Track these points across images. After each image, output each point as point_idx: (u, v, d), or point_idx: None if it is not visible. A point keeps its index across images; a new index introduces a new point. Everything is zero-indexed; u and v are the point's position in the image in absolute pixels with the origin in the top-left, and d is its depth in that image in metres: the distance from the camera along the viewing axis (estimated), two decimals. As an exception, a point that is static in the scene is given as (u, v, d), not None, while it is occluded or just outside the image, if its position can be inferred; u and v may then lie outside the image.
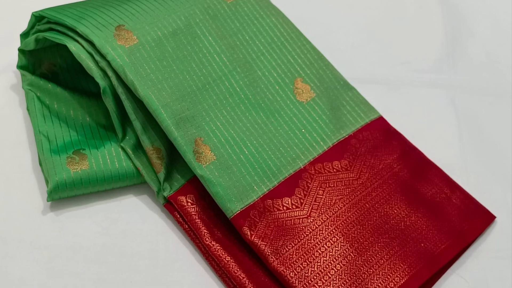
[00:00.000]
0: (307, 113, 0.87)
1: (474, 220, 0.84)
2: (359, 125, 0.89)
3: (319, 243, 0.78)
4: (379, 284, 0.77)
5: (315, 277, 0.76)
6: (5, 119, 0.92)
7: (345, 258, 0.78)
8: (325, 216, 0.80)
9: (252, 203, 0.79)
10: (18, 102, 0.93)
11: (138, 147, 0.84)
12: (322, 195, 0.82)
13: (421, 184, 0.86)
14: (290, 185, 0.81)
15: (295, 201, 0.80)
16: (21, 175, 0.86)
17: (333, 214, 0.81)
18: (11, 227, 0.82)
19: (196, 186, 0.82)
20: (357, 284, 0.76)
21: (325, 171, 0.84)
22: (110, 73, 0.81)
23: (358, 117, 0.90)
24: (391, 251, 0.79)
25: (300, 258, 0.77)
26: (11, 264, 0.79)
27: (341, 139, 0.87)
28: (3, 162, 0.87)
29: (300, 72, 0.91)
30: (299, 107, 0.87)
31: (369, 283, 0.77)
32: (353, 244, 0.79)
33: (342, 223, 0.80)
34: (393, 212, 0.82)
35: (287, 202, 0.80)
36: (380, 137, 0.89)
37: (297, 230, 0.79)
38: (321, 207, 0.81)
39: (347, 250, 0.78)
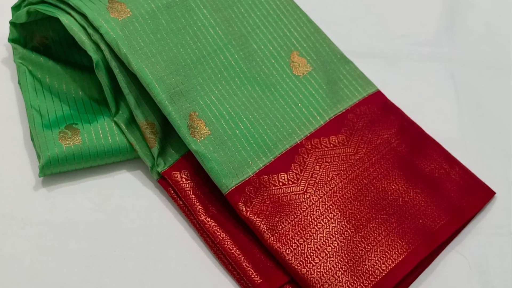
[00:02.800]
0: (303, 87, 0.85)
1: (473, 196, 0.82)
2: (356, 100, 0.87)
3: (315, 219, 0.76)
4: (377, 261, 0.75)
5: (311, 254, 0.74)
6: (-4, 93, 0.90)
7: (342, 235, 0.76)
8: (321, 192, 0.78)
9: (247, 179, 0.77)
10: (10, 76, 0.90)
11: (131, 121, 0.82)
12: (319, 170, 0.79)
13: (419, 160, 0.84)
14: (286, 161, 0.79)
15: (292, 176, 0.78)
16: (13, 150, 0.84)
17: (330, 190, 0.78)
18: (2, 203, 0.80)
19: (190, 162, 0.80)
20: (354, 261, 0.74)
21: (322, 146, 0.81)
22: (103, 47, 0.78)
23: (355, 91, 0.88)
24: (389, 228, 0.77)
25: (296, 235, 0.75)
26: (3, 241, 0.77)
27: (338, 114, 0.85)
28: (-6, 137, 0.85)
29: (297, 45, 0.88)
30: (295, 81, 0.85)
31: (367, 260, 0.75)
32: (350, 221, 0.77)
33: (339, 199, 0.78)
34: (391, 188, 0.80)
35: (283, 177, 0.78)
36: (378, 111, 0.87)
37: (294, 206, 0.76)
38: (318, 182, 0.79)
39: (344, 226, 0.76)
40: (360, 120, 0.85)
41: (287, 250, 0.74)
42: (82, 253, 0.77)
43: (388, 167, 0.82)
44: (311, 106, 0.84)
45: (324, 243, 0.75)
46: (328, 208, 0.77)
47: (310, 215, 0.76)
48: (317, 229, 0.76)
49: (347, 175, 0.80)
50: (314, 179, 0.79)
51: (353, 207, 0.78)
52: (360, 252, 0.75)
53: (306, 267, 0.73)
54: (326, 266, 0.74)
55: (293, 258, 0.73)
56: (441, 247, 0.79)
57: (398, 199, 0.80)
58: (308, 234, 0.75)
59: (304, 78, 0.86)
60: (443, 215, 0.79)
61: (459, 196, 0.81)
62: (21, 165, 0.83)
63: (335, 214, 0.77)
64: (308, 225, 0.76)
